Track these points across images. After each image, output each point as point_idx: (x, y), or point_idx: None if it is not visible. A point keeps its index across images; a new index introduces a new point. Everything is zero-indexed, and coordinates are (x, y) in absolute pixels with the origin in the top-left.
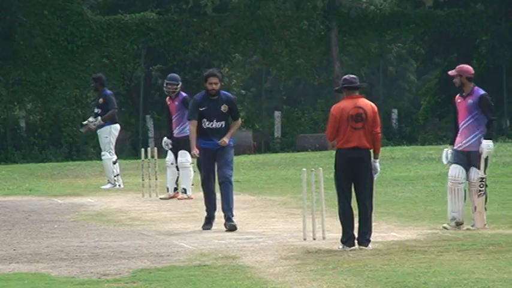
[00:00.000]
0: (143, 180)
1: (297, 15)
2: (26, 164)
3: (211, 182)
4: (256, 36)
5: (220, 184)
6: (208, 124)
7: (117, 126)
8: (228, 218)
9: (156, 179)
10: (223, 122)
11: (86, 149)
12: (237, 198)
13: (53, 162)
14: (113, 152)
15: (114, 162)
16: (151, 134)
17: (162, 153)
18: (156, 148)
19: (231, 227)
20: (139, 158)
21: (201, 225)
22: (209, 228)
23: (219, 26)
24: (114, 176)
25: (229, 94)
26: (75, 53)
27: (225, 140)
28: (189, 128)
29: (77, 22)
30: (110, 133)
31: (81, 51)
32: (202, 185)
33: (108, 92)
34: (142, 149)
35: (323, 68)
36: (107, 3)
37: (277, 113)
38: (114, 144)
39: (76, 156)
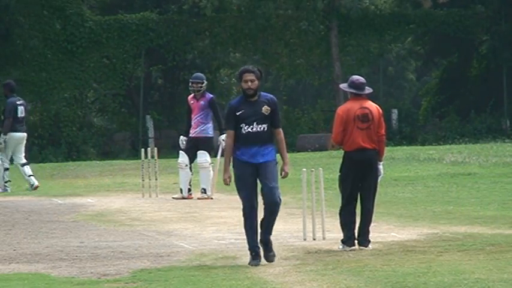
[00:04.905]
0: (143, 180)
1: (296, 15)
2: None
3: (254, 206)
4: (256, 36)
5: (266, 208)
6: (247, 128)
7: (13, 134)
8: (267, 247)
9: (156, 179)
10: (265, 126)
11: (85, 149)
12: (237, 198)
13: (52, 162)
14: (6, 159)
15: (6, 169)
16: (151, 134)
17: (162, 154)
18: (156, 148)
19: (270, 259)
20: (140, 158)
21: (248, 261)
22: (258, 264)
23: (219, 26)
24: (5, 182)
25: (271, 96)
26: (74, 53)
27: (286, 170)
28: (225, 141)
29: (77, 22)
30: (4, 142)
31: (80, 52)
32: (244, 210)
33: (10, 100)
34: (142, 149)
35: (323, 68)
36: (107, 4)
37: None
38: (9, 152)
39: (76, 156)
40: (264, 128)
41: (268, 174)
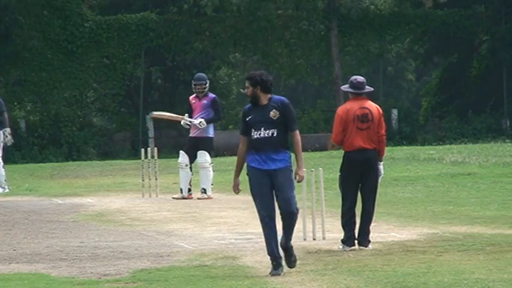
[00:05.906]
0: (143, 180)
1: (297, 15)
2: (25, 164)
3: (271, 215)
4: (256, 36)
5: (282, 217)
6: (256, 134)
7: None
8: (287, 252)
9: (156, 179)
10: (274, 131)
11: (85, 149)
12: (237, 198)
13: (52, 162)
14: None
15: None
16: (151, 134)
17: (162, 154)
18: (156, 148)
19: (291, 264)
20: (140, 158)
21: (269, 271)
22: (279, 274)
23: (219, 26)
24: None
25: (282, 98)
26: (75, 53)
27: (300, 173)
28: (239, 148)
29: (77, 22)
30: (4, 135)
31: (81, 52)
32: (262, 220)
33: None
34: (142, 149)
35: (323, 68)
36: (107, 4)
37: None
38: (1, 149)
39: (76, 156)
40: (273, 133)
41: (282, 183)
